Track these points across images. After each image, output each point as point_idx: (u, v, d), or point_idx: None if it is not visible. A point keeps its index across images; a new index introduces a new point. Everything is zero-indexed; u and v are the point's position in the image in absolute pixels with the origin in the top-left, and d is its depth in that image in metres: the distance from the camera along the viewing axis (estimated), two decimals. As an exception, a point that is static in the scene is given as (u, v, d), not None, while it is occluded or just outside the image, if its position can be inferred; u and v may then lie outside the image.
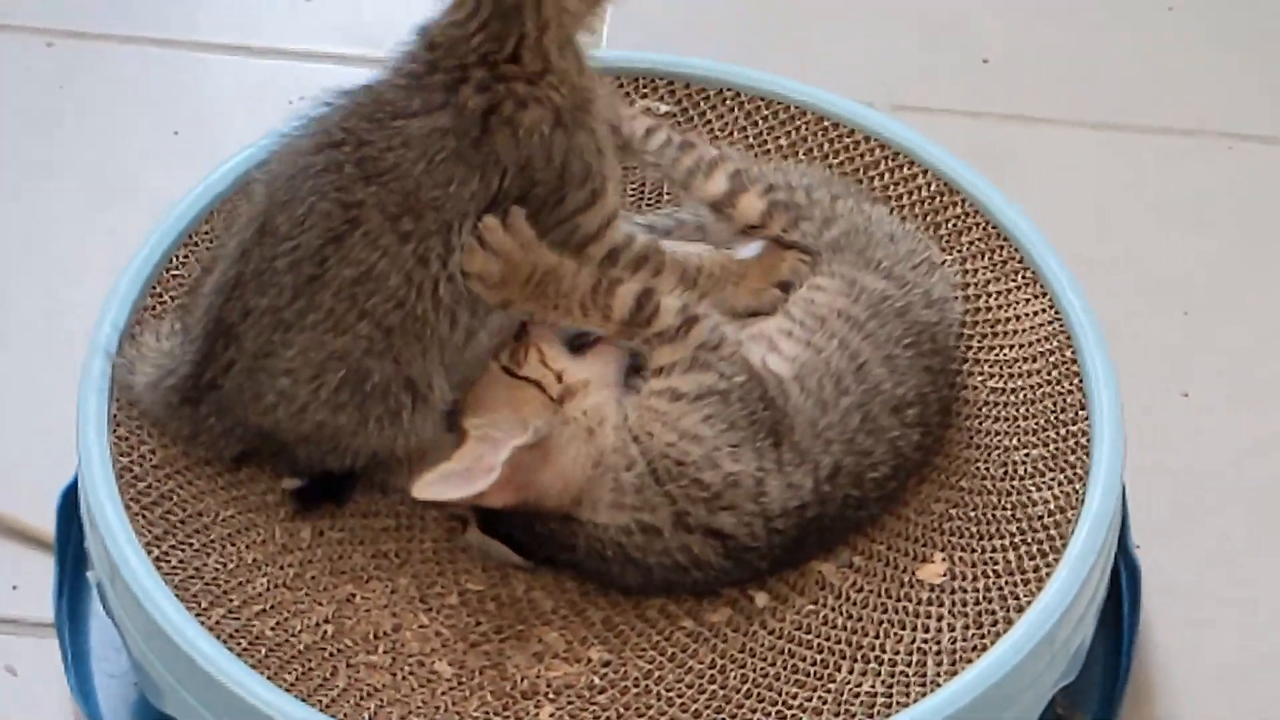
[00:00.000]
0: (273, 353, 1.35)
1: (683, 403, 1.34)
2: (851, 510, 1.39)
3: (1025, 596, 1.35)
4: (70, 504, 1.51)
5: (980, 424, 1.47)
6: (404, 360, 1.35)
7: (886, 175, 1.62)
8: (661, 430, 1.33)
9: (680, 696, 1.32)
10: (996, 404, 1.48)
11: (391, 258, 1.33)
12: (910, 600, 1.37)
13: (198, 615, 1.31)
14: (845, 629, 1.35)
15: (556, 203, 1.36)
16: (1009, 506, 1.41)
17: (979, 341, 1.52)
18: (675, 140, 1.49)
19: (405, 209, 1.33)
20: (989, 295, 1.54)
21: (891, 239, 1.49)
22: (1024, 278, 1.54)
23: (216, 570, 1.36)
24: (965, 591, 1.37)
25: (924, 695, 1.30)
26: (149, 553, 1.34)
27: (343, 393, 1.34)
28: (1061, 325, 1.50)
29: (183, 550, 1.36)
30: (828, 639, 1.35)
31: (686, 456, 1.33)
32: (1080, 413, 1.45)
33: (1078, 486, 1.41)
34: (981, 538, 1.40)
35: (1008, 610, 1.35)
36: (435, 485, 1.29)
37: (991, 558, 1.38)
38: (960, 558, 1.39)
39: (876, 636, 1.35)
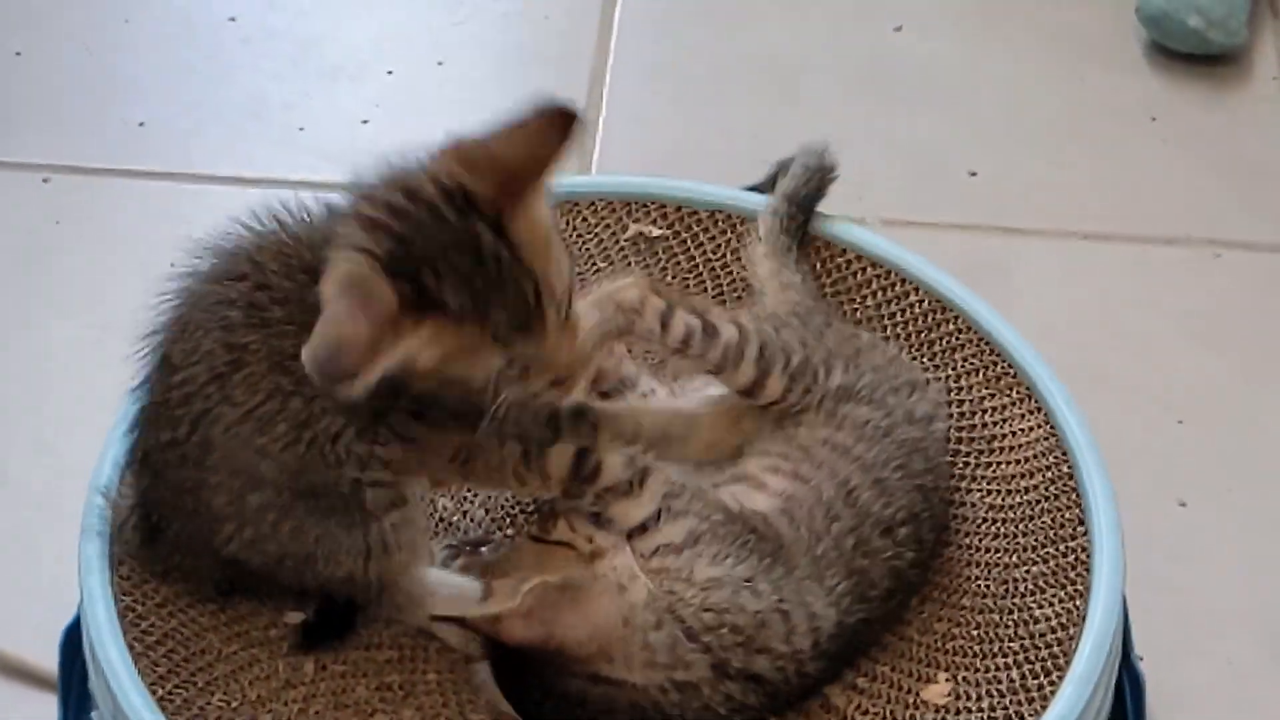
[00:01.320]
0: (198, 491, 1.32)
1: (685, 553, 1.34)
2: (860, 633, 1.39)
3: (1030, 715, 1.35)
4: (73, 642, 1.51)
5: (979, 541, 1.47)
6: (319, 486, 1.31)
7: (879, 294, 1.63)
8: (683, 587, 1.33)
9: (688, 825, 1.32)
10: (995, 521, 1.48)
11: (279, 403, 1.29)
12: (916, 722, 1.37)
13: (203, 756, 1.32)
14: (850, 752, 1.35)
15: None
16: (1011, 624, 1.41)
17: (975, 458, 1.53)
18: (696, 329, 1.41)
19: (285, 369, 1.28)
20: (984, 412, 1.55)
21: (875, 369, 1.48)
22: (1018, 393, 1.55)
23: (220, 709, 1.35)
24: (970, 711, 1.36)
25: (932, 818, 1.30)
26: (153, 693, 1.34)
27: (281, 525, 1.33)
28: (1057, 440, 1.51)
29: (186, 689, 1.36)
30: (833, 762, 1.35)
31: (718, 604, 1.32)
32: (1079, 528, 1.45)
33: (1079, 603, 1.41)
34: (984, 656, 1.40)
35: (1013, 729, 1.35)
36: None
37: (995, 676, 1.38)
38: (964, 677, 1.39)
39: (882, 760, 1.35)
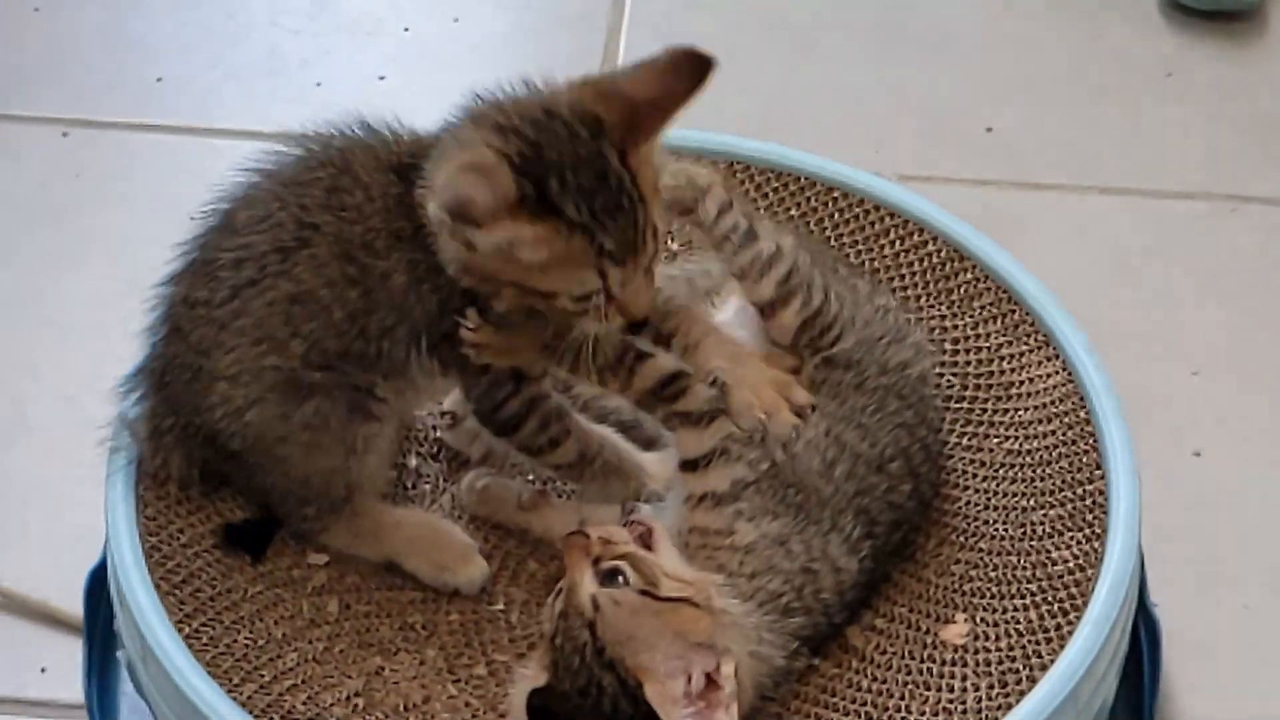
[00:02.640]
0: (210, 352, 1.36)
1: (728, 509, 1.35)
2: (875, 574, 1.41)
3: (1048, 655, 1.36)
4: (97, 585, 1.53)
5: (997, 485, 1.48)
6: (341, 371, 1.36)
7: (897, 243, 1.64)
8: (727, 555, 1.34)
9: (709, 762, 1.33)
10: (1013, 465, 1.49)
11: (336, 292, 1.34)
12: (934, 661, 1.38)
13: (230, 691, 1.33)
14: (870, 691, 1.36)
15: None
16: (1029, 566, 1.42)
17: (994, 405, 1.53)
18: (742, 228, 1.46)
19: (350, 257, 1.34)
20: (1002, 359, 1.56)
21: (855, 323, 1.48)
22: (1036, 340, 1.56)
23: (246, 646, 1.37)
24: (988, 651, 1.38)
25: (951, 755, 1.32)
26: (180, 630, 1.35)
27: (274, 396, 1.36)
28: (1074, 386, 1.52)
29: (213, 627, 1.37)
30: (853, 701, 1.36)
31: (758, 569, 1.33)
32: (1096, 472, 1.46)
33: (1096, 545, 1.42)
34: (1002, 598, 1.41)
35: (1031, 669, 1.36)
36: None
37: (1013, 617, 1.39)
38: (982, 618, 1.40)
39: (902, 699, 1.36)
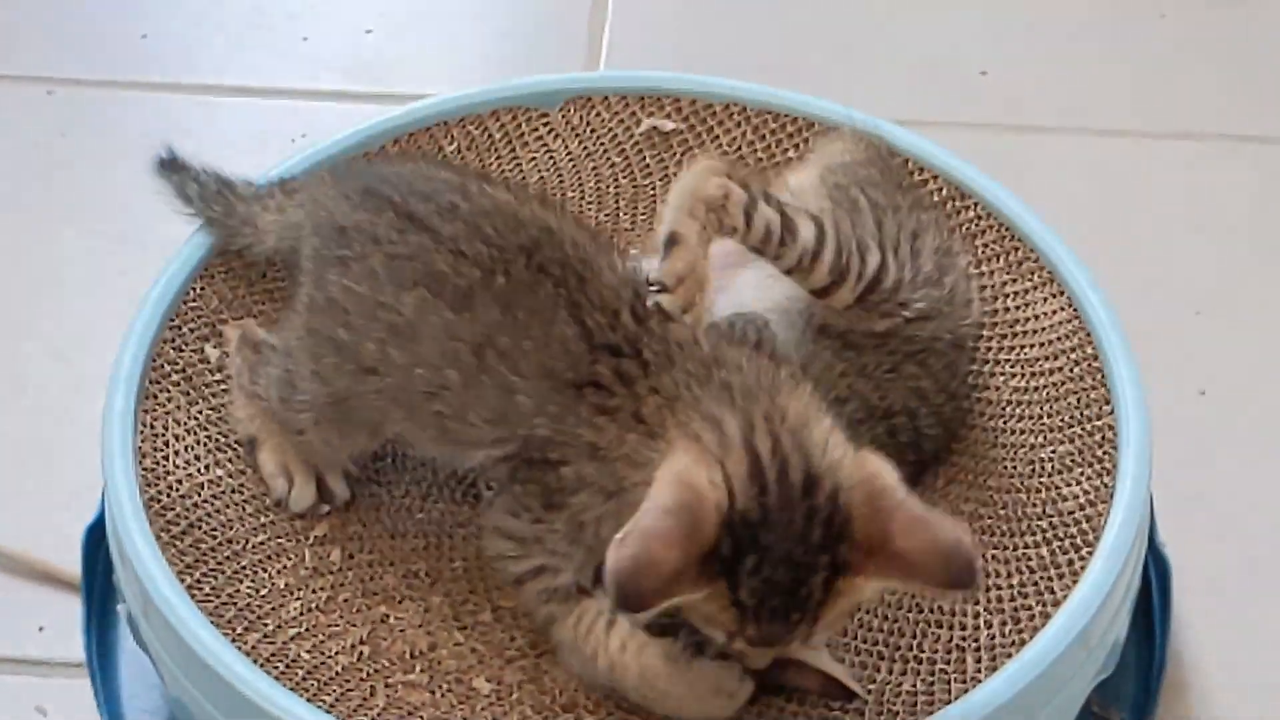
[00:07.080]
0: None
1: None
2: None
3: (1061, 591, 1.35)
4: (94, 541, 1.51)
5: (1005, 423, 1.47)
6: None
7: (897, 183, 1.62)
8: None
9: (720, 704, 1.32)
10: (1020, 403, 1.48)
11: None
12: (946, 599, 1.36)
13: (234, 641, 1.31)
14: (883, 630, 1.35)
15: None
16: (1039, 503, 1.41)
17: (998, 342, 1.52)
18: (776, 225, 1.36)
19: None
20: (1006, 296, 1.54)
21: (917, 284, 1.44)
22: (1040, 277, 1.54)
23: (249, 596, 1.35)
24: (1000, 589, 1.36)
25: (965, 692, 1.30)
26: (181, 581, 1.33)
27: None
28: (1080, 322, 1.50)
29: (214, 578, 1.36)
30: (865, 640, 1.34)
31: None
32: (1105, 407, 1.45)
33: (1106, 480, 1.40)
34: (1013, 534, 1.40)
35: (1044, 605, 1.34)
36: None
37: (1025, 554, 1.38)
38: (993, 555, 1.38)
39: (914, 636, 1.34)
